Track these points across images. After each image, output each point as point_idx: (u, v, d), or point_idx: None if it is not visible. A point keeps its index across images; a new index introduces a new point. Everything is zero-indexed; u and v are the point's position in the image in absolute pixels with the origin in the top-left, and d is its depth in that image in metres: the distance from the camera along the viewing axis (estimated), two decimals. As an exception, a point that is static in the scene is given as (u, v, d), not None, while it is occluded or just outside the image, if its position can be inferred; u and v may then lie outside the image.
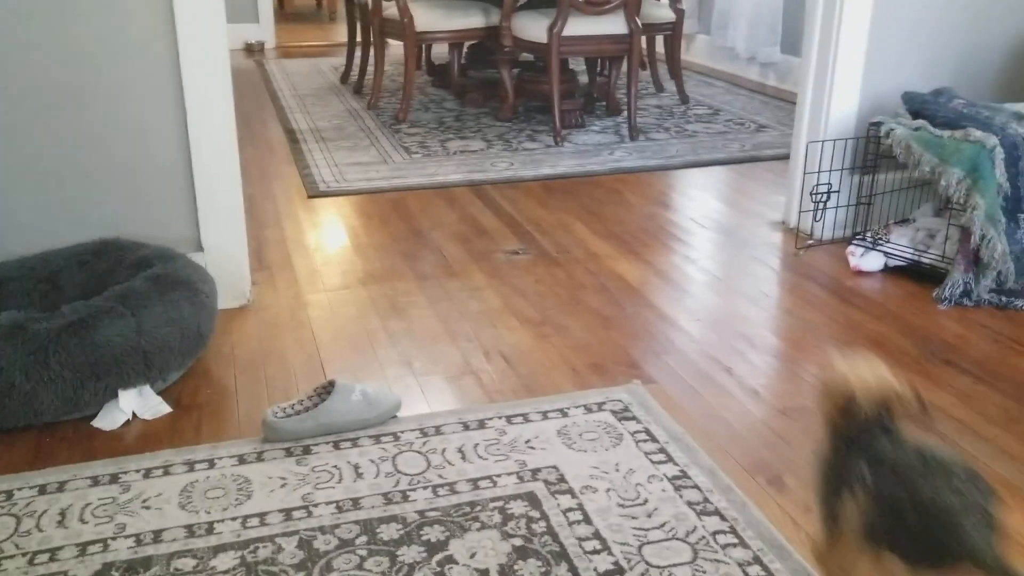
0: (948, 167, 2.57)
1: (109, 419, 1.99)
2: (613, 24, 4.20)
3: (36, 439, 1.94)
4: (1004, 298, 2.56)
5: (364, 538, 1.63)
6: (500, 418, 2.00)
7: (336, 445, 1.91)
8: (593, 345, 2.34)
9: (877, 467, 1.17)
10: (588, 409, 2.04)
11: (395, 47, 5.08)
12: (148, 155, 2.39)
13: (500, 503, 1.72)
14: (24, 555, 1.60)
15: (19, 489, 1.77)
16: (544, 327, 2.44)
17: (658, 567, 1.56)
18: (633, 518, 1.68)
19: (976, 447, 1.91)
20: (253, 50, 6.68)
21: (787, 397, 2.12)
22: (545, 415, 2.01)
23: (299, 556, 1.59)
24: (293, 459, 1.86)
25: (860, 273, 2.78)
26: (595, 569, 1.55)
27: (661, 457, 1.86)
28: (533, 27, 4.21)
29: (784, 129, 4.40)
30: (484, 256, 2.91)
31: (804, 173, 2.98)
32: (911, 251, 2.76)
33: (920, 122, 2.71)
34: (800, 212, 3.02)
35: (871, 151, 2.88)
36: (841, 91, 2.94)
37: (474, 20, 4.51)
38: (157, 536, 1.64)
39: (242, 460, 1.86)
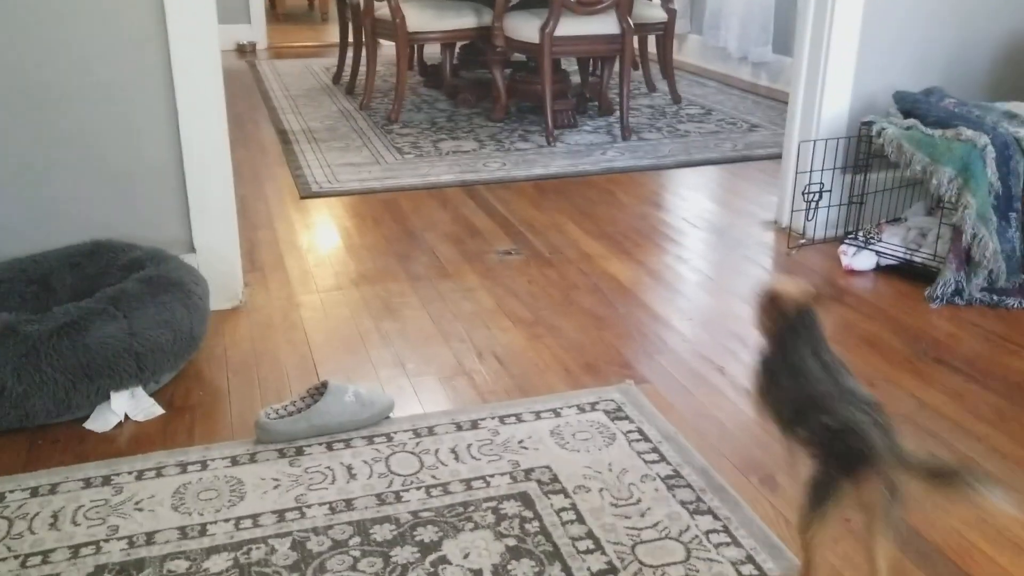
0: (939, 166, 2.58)
1: (101, 421, 1.99)
2: (605, 24, 4.20)
3: (28, 441, 1.94)
4: (995, 297, 2.57)
5: (357, 539, 1.63)
6: (493, 418, 2.00)
7: (329, 446, 1.91)
8: (586, 345, 2.34)
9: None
10: (581, 409, 2.04)
11: (387, 47, 5.08)
12: (140, 156, 2.38)
13: (493, 503, 1.72)
14: (16, 558, 1.59)
15: (11, 491, 1.76)
16: (537, 327, 2.44)
17: (651, 566, 1.56)
18: (626, 518, 1.68)
19: (967, 446, 1.92)
20: (245, 51, 6.67)
21: (780, 396, 2.12)
22: (538, 415, 2.02)
23: (292, 557, 1.59)
24: (286, 460, 1.86)
25: (852, 272, 2.79)
26: (588, 569, 1.56)
27: (654, 457, 1.87)
28: (525, 27, 4.21)
29: (776, 129, 4.41)
30: (477, 256, 2.91)
31: (796, 172, 2.99)
32: (903, 250, 2.77)
33: (911, 121, 2.72)
34: (792, 211, 3.02)
35: (863, 150, 2.89)
36: (833, 90, 2.94)
37: (466, 20, 4.51)
38: (150, 538, 1.64)
39: (235, 461, 1.86)
